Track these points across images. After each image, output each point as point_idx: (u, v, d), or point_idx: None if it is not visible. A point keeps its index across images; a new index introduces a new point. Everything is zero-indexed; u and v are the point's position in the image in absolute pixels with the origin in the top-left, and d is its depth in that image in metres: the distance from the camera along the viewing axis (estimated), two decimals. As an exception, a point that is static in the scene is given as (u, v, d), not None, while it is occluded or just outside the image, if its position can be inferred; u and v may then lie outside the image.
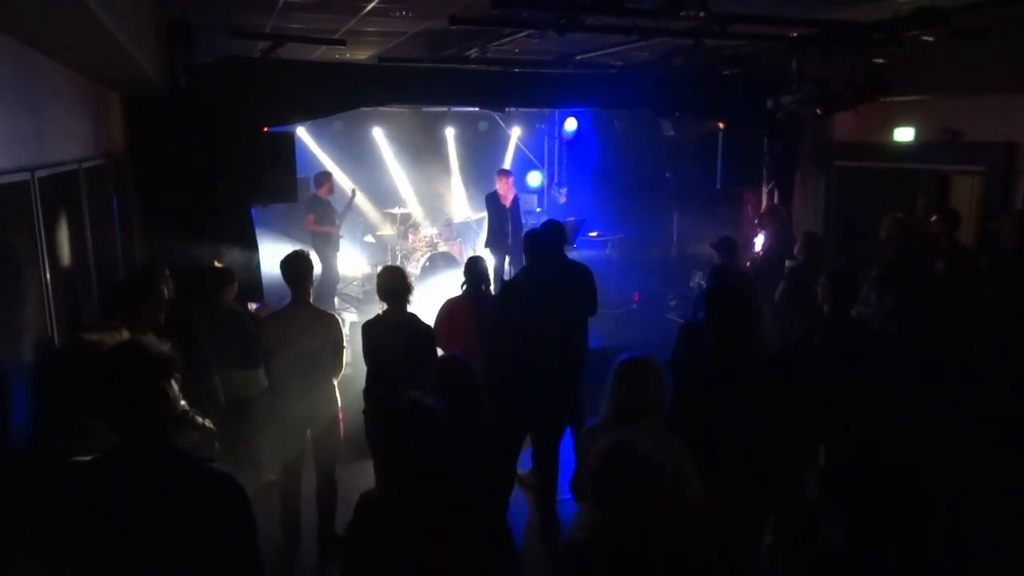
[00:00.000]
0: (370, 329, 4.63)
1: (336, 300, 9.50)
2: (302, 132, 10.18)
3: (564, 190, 11.36)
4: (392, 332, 4.51)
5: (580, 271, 5.57)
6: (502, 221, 9.20)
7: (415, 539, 2.25)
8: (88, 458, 2.15)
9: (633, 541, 2.20)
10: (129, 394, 2.07)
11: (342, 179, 10.91)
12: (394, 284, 4.55)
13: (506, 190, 9.45)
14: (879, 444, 3.32)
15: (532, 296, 4.89)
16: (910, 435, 3.32)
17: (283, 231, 9.81)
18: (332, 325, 4.64)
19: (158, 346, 2.18)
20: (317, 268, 5.39)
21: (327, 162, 10.76)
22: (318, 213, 9.01)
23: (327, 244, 8.94)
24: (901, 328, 3.51)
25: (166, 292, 4.76)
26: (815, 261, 5.77)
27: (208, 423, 4.27)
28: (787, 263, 6.21)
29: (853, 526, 3.45)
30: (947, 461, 3.42)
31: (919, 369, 3.53)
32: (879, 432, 3.32)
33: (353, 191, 9.96)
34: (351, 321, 8.39)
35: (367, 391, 4.60)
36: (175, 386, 2.15)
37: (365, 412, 4.58)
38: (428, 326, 4.68)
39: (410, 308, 4.66)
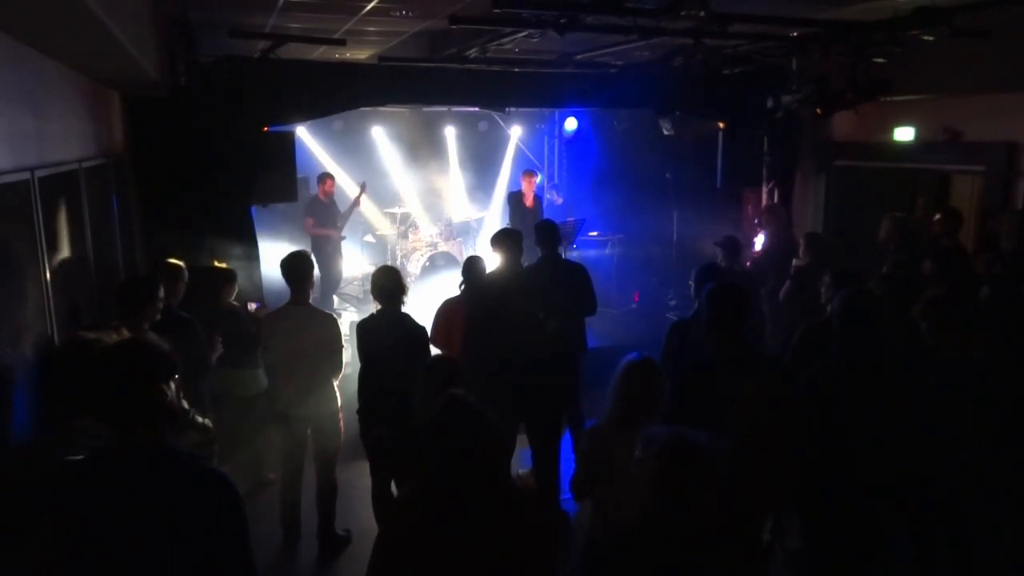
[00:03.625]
0: (364, 328, 4.64)
1: (335, 300, 9.45)
2: (302, 132, 10.14)
3: (558, 193, 11.34)
4: (386, 331, 4.52)
5: (575, 270, 5.59)
6: (523, 221, 9.18)
7: (459, 541, 2.22)
8: (80, 457, 2.15)
9: (686, 535, 2.18)
10: (129, 392, 2.07)
11: (344, 180, 10.83)
12: (389, 284, 4.56)
13: (529, 189, 9.47)
14: (875, 445, 3.32)
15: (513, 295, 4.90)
16: (906, 436, 3.32)
17: (283, 232, 9.76)
18: (331, 325, 4.65)
19: (160, 345, 2.19)
20: (317, 271, 5.41)
21: (327, 162, 10.74)
22: (317, 216, 8.85)
23: (327, 247, 8.80)
24: (845, 331, 3.47)
25: (180, 291, 4.78)
26: (819, 262, 5.76)
27: (208, 423, 4.28)
28: (794, 262, 6.21)
29: (829, 527, 3.45)
30: (943, 460, 3.42)
31: (920, 370, 3.52)
32: (876, 432, 3.31)
33: (362, 185, 9.66)
34: (350, 320, 8.39)
35: (361, 390, 4.61)
36: (172, 386, 2.15)
37: (359, 412, 4.58)
38: (421, 326, 4.69)
39: (405, 308, 4.66)
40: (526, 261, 5.81)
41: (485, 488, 2.25)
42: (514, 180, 10.36)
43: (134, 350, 2.16)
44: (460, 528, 2.22)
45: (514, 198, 9.56)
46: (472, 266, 5.41)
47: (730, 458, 3.23)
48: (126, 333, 3.64)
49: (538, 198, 9.59)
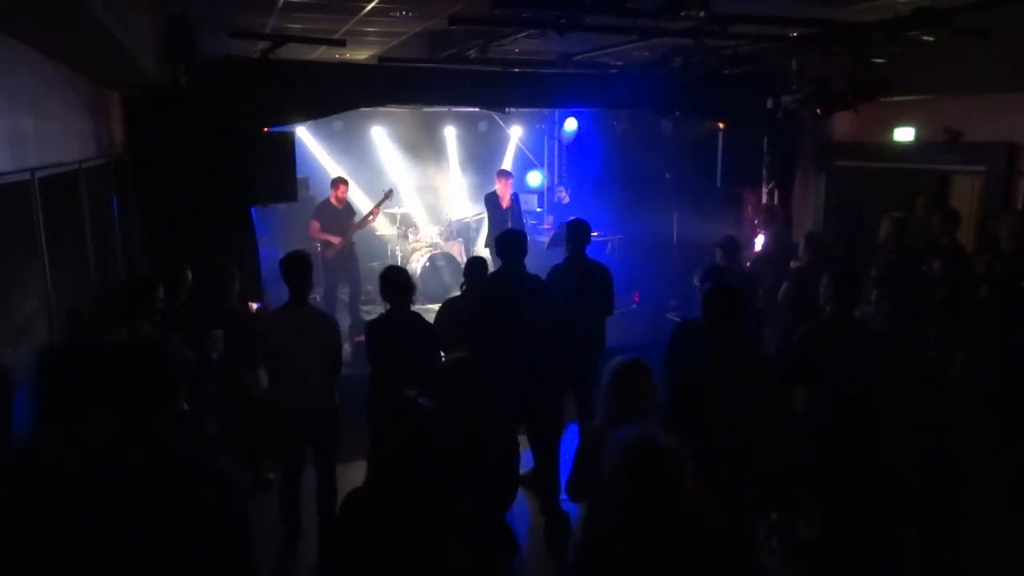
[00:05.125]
0: (375, 329, 4.65)
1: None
2: (302, 132, 10.08)
3: (567, 191, 11.26)
4: (397, 331, 4.52)
5: (598, 269, 5.60)
6: (501, 221, 9.18)
7: (399, 537, 2.25)
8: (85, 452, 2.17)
9: (658, 534, 2.18)
10: (145, 389, 2.10)
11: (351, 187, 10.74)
12: (397, 283, 4.56)
13: (504, 190, 9.44)
14: (875, 443, 3.33)
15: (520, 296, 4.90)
16: (907, 435, 3.33)
17: (283, 232, 9.75)
18: (329, 324, 4.65)
19: (179, 348, 2.21)
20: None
21: (327, 162, 10.74)
22: (325, 221, 8.56)
23: (325, 251, 8.44)
24: (896, 330, 3.52)
25: (183, 291, 4.78)
26: (817, 261, 5.76)
27: (208, 423, 4.28)
28: (792, 263, 6.21)
29: (836, 518, 3.47)
30: (945, 459, 3.43)
31: (918, 369, 3.53)
32: (876, 432, 3.32)
33: (388, 192, 9.40)
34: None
35: (372, 390, 4.61)
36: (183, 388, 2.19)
37: (369, 411, 4.58)
38: (431, 325, 4.69)
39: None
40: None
41: (419, 489, 2.29)
42: (515, 181, 10.34)
43: (154, 348, 2.19)
44: (398, 527, 2.26)
45: (490, 199, 9.53)
46: (474, 267, 5.42)
47: (727, 458, 3.25)
48: (125, 333, 3.66)
49: (514, 199, 9.55)
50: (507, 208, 9.40)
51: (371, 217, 9.24)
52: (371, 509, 2.36)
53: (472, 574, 2.31)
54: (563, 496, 5.02)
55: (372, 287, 8.88)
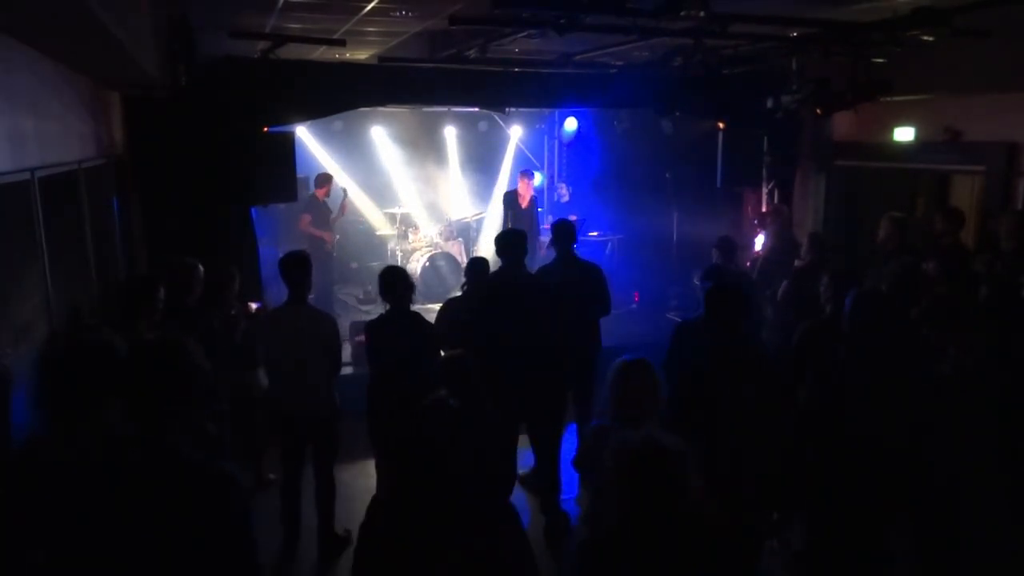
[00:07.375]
0: (375, 329, 4.65)
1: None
2: (302, 132, 10.10)
3: (567, 188, 11.21)
4: (398, 331, 4.52)
5: (589, 269, 5.59)
6: (518, 221, 9.18)
7: (428, 540, 2.23)
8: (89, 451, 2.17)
9: (660, 534, 2.18)
10: (163, 389, 2.11)
11: (342, 179, 10.83)
12: (396, 283, 4.57)
13: (526, 190, 9.47)
14: (873, 444, 3.33)
15: (523, 296, 4.90)
16: (904, 436, 3.33)
17: (282, 232, 9.76)
18: (329, 324, 4.66)
19: (194, 351, 2.21)
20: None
21: (327, 162, 10.74)
22: (314, 215, 8.84)
23: (321, 250, 8.68)
24: (858, 332, 3.53)
25: (195, 288, 4.76)
26: (820, 262, 5.76)
27: (208, 424, 4.27)
28: (796, 263, 6.20)
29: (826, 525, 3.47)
30: (942, 461, 3.43)
31: (914, 372, 3.53)
32: (873, 433, 3.32)
33: (344, 192, 9.80)
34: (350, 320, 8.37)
35: (372, 390, 4.61)
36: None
37: (369, 412, 4.58)
38: (432, 324, 4.69)
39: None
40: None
41: (422, 490, 2.28)
42: (514, 180, 10.35)
43: (165, 349, 2.19)
44: (425, 530, 2.24)
45: (509, 198, 9.55)
46: (476, 267, 5.42)
47: (728, 458, 3.25)
48: (126, 333, 3.64)
49: (534, 199, 9.57)
50: (526, 208, 9.42)
51: (340, 214, 9.52)
52: (389, 513, 2.34)
53: (482, 572, 2.31)
54: (563, 495, 5.05)
55: (372, 287, 8.97)
